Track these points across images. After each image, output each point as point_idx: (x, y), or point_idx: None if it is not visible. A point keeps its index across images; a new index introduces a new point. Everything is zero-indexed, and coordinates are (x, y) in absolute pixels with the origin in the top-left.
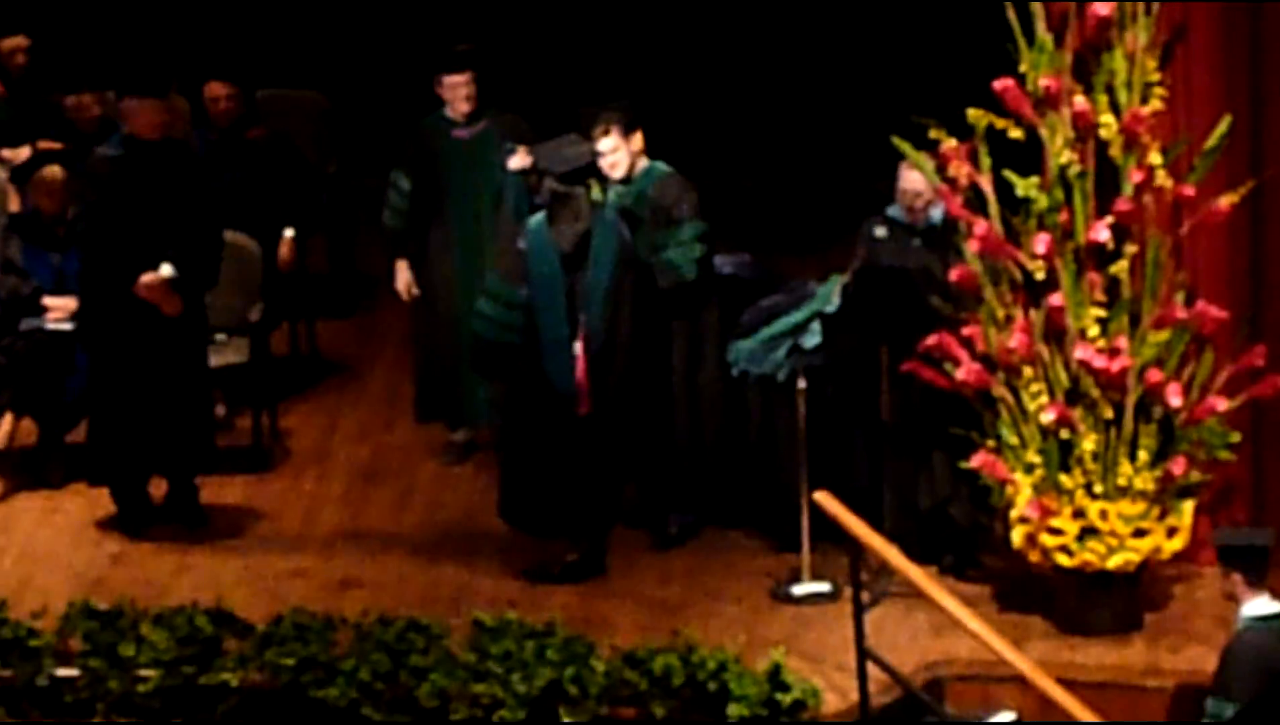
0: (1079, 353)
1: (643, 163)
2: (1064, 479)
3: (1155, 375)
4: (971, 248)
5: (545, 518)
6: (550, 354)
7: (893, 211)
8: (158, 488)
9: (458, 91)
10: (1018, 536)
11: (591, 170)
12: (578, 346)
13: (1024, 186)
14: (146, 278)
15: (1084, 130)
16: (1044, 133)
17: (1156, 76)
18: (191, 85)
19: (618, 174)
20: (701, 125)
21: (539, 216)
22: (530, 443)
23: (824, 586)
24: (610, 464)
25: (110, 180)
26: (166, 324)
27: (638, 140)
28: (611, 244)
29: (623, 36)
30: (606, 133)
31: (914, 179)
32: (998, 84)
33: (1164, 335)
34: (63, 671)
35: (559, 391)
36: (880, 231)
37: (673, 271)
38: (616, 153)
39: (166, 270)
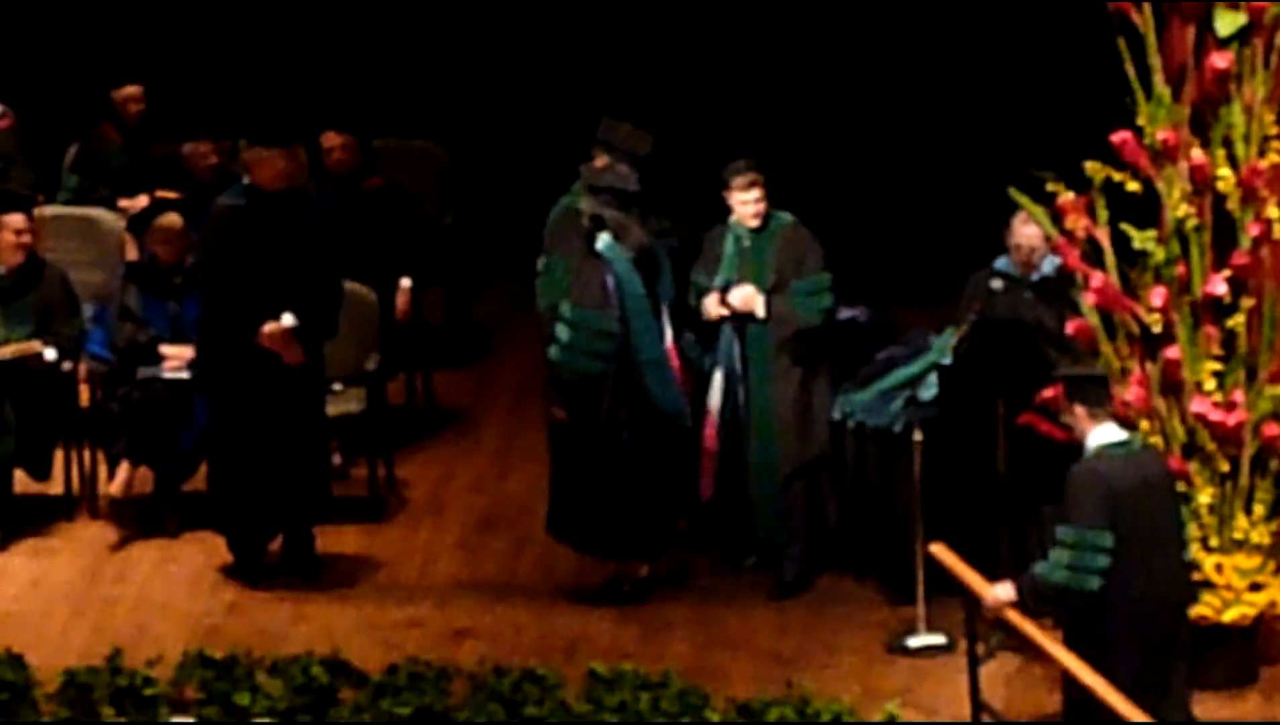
0: (1195, 406)
1: (771, 212)
2: None
3: (1272, 429)
4: (1088, 300)
5: (604, 536)
6: (651, 373)
7: (1002, 264)
8: (273, 537)
9: (752, 207)
10: None
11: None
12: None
13: (1141, 239)
14: (269, 327)
15: (1201, 183)
16: (1161, 186)
17: (1275, 129)
18: (310, 135)
19: (754, 223)
20: (818, 176)
21: (611, 242)
22: (584, 464)
23: (939, 639)
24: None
25: (232, 229)
26: (286, 373)
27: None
28: None
29: (739, 86)
30: (755, 185)
31: (1029, 232)
32: (1115, 137)
33: None
34: (178, 720)
35: (662, 409)
36: (996, 284)
37: (792, 320)
38: (759, 203)
39: (288, 320)
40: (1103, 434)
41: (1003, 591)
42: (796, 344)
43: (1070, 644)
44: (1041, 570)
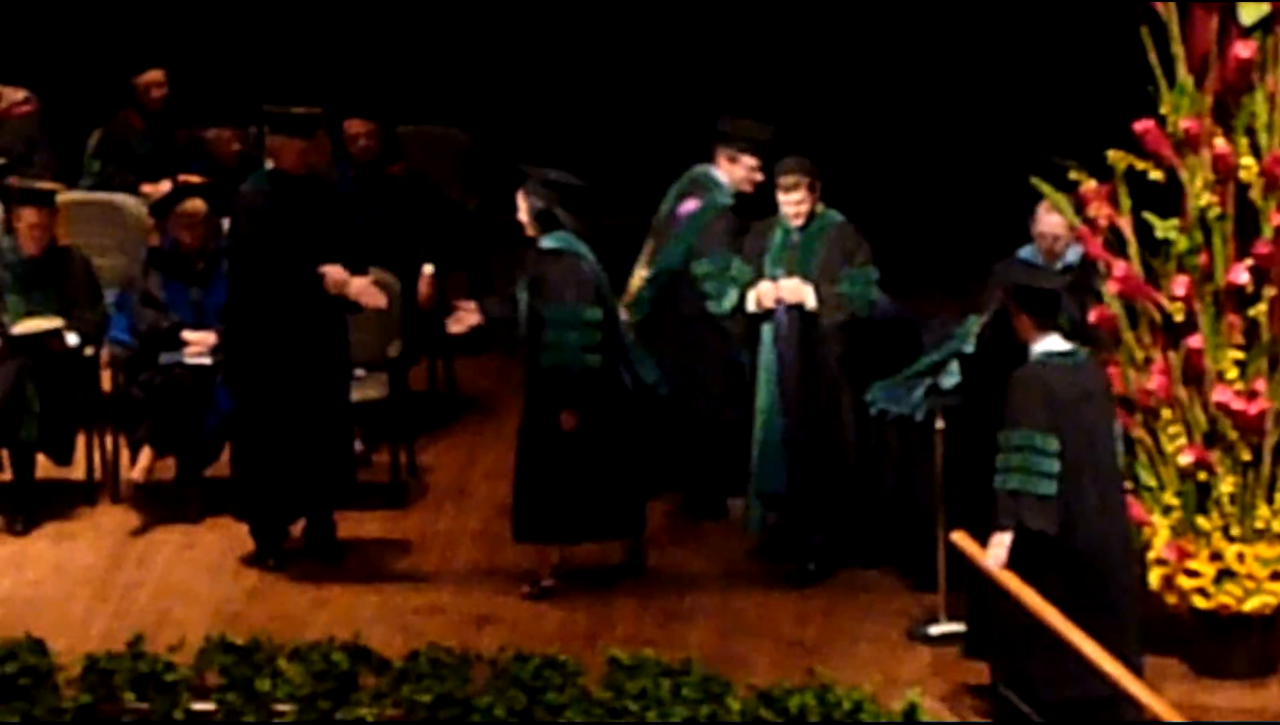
0: (1217, 395)
1: (819, 210)
2: (1201, 521)
3: None
4: (1111, 289)
5: (575, 522)
6: (634, 351)
7: (1027, 253)
8: (295, 522)
9: (796, 207)
10: (1155, 578)
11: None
12: None
13: (1163, 228)
14: (336, 275)
15: (1224, 172)
16: (1184, 175)
17: None
18: (333, 121)
19: (798, 222)
20: (841, 166)
21: (568, 235)
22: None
23: (960, 627)
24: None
25: (258, 215)
26: (311, 359)
27: (817, 193)
28: None
29: (766, 75)
30: (797, 186)
31: (1053, 221)
32: (1138, 126)
33: None
34: (199, 706)
35: (645, 383)
36: (1018, 273)
37: (846, 307)
38: (802, 204)
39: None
40: (1048, 343)
41: (995, 549)
42: (839, 336)
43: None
44: (996, 483)
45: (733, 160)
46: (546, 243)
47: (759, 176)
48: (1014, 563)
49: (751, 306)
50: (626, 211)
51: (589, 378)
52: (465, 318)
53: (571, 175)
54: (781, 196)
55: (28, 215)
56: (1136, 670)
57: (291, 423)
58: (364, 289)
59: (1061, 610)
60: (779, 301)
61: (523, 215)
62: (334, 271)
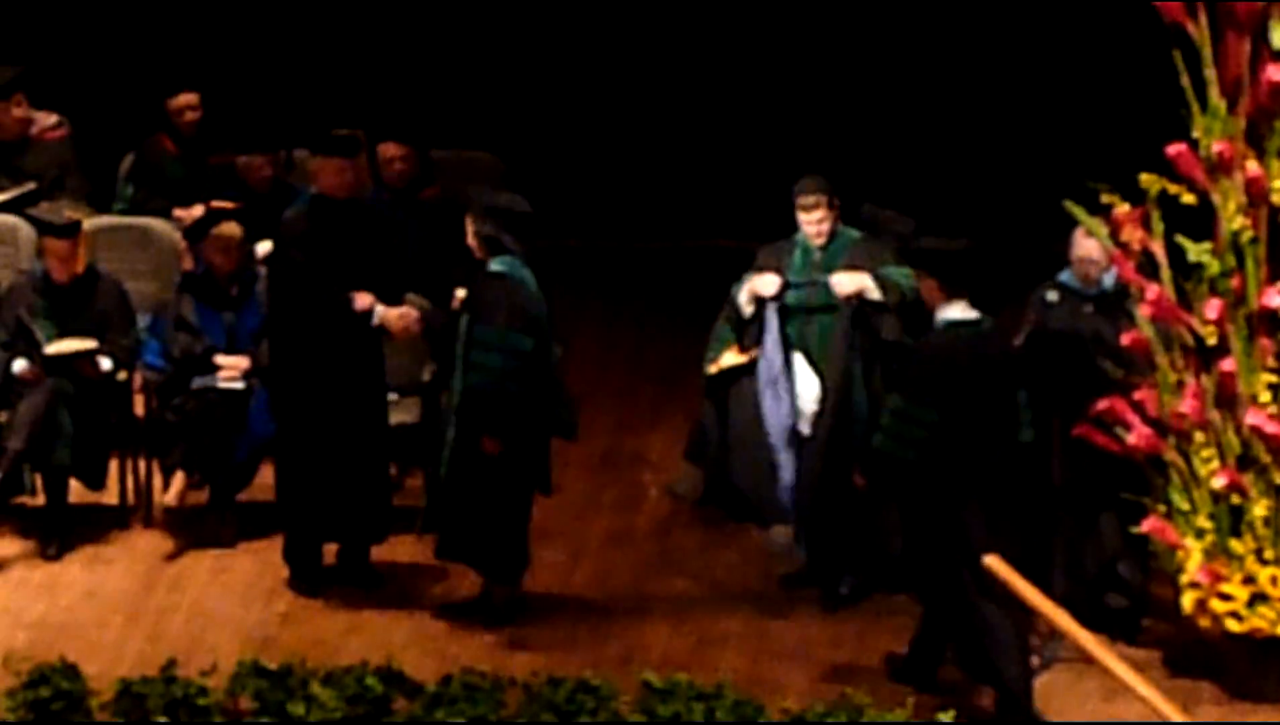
0: (1250, 418)
1: (838, 228)
2: (1235, 544)
3: None
4: (1143, 313)
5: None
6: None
7: (1065, 277)
8: (329, 547)
9: (816, 227)
10: (1188, 602)
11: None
12: None
13: (1196, 252)
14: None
15: (1257, 196)
16: (1216, 198)
17: None
18: (369, 146)
19: (819, 242)
20: (876, 190)
21: (513, 260)
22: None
23: None
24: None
25: (298, 238)
26: (350, 383)
27: (836, 211)
28: None
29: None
30: (818, 205)
31: (1089, 246)
32: (1171, 149)
33: None
34: None
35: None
36: (1052, 296)
37: (897, 288)
38: (823, 223)
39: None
40: (953, 311)
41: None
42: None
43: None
44: (874, 440)
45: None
46: (492, 266)
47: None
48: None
49: (745, 302)
50: (657, 234)
51: (507, 404)
52: (406, 317)
53: (520, 199)
54: (802, 216)
55: (53, 246)
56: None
57: (331, 447)
58: (390, 318)
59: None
60: (846, 297)
61: (470, 239)
62: (361, 299)
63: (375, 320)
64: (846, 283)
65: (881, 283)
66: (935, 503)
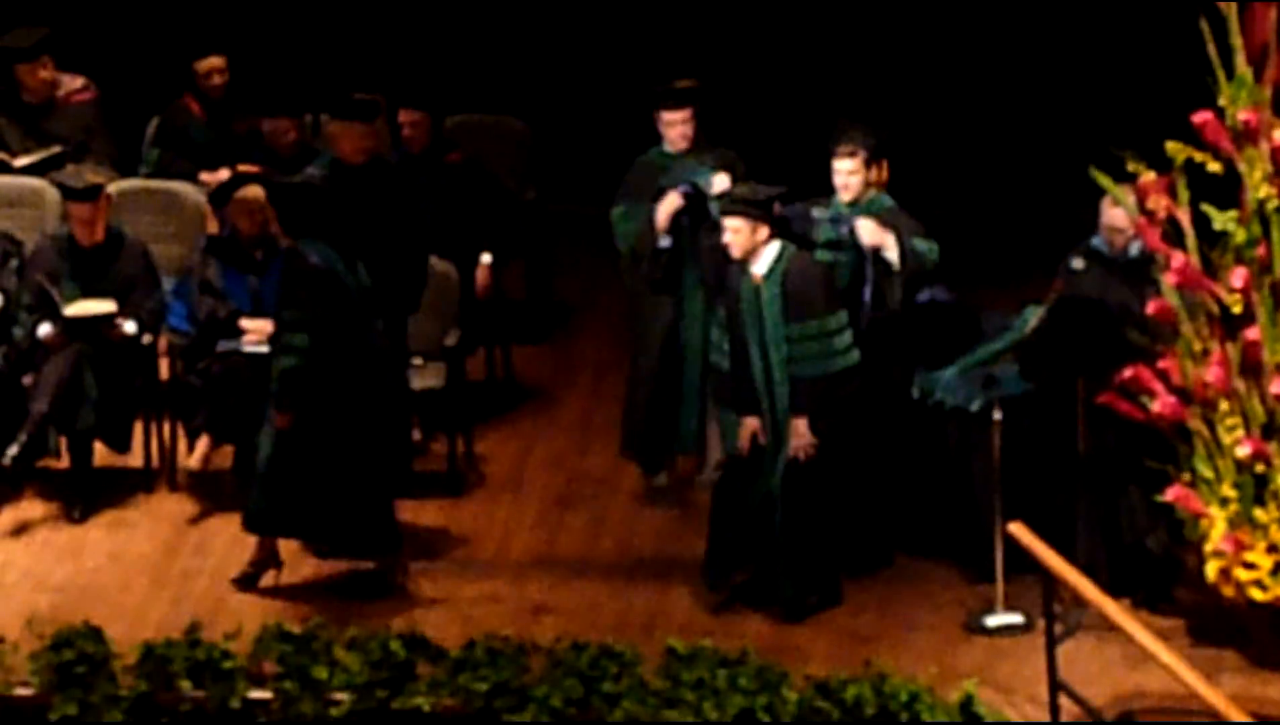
0: (1275, 387)
1: (871, 193)
2: (1259, 513)
3: None
4: (1169, 281)
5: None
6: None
7: (1096, 243)
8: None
9: (675, 128)
10: (1212, 570)
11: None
12: None
13: (1222, 220)
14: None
15: None
16: (1242, 167)
17: None
18: (391, 111)
19: (846, 196)
20: (901, 157)
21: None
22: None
23: (1017, 618)
24: None
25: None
26: (371, 349)
27: (879, 172)
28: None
29: (827, 67)
30: (852, 155)
31: (1116, 215)
32: (1197, 117)
33: None
34: (256, 694)
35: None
36: (1078, 263)
37: (918, 258)
38: (853, 176)
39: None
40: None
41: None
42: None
43: None
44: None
45: (658, 121)
46: (296, 247)
47: (681, 129)
48: None
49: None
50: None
51: (313, 382)
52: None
53: (318, 178)
54: (834, 164)
55: (75, 209)
56: None
57: (350, 412)
58: None
59: None
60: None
61: (273, 225)
62: None
63: None
64: (869, 231)
65: (904, 248)
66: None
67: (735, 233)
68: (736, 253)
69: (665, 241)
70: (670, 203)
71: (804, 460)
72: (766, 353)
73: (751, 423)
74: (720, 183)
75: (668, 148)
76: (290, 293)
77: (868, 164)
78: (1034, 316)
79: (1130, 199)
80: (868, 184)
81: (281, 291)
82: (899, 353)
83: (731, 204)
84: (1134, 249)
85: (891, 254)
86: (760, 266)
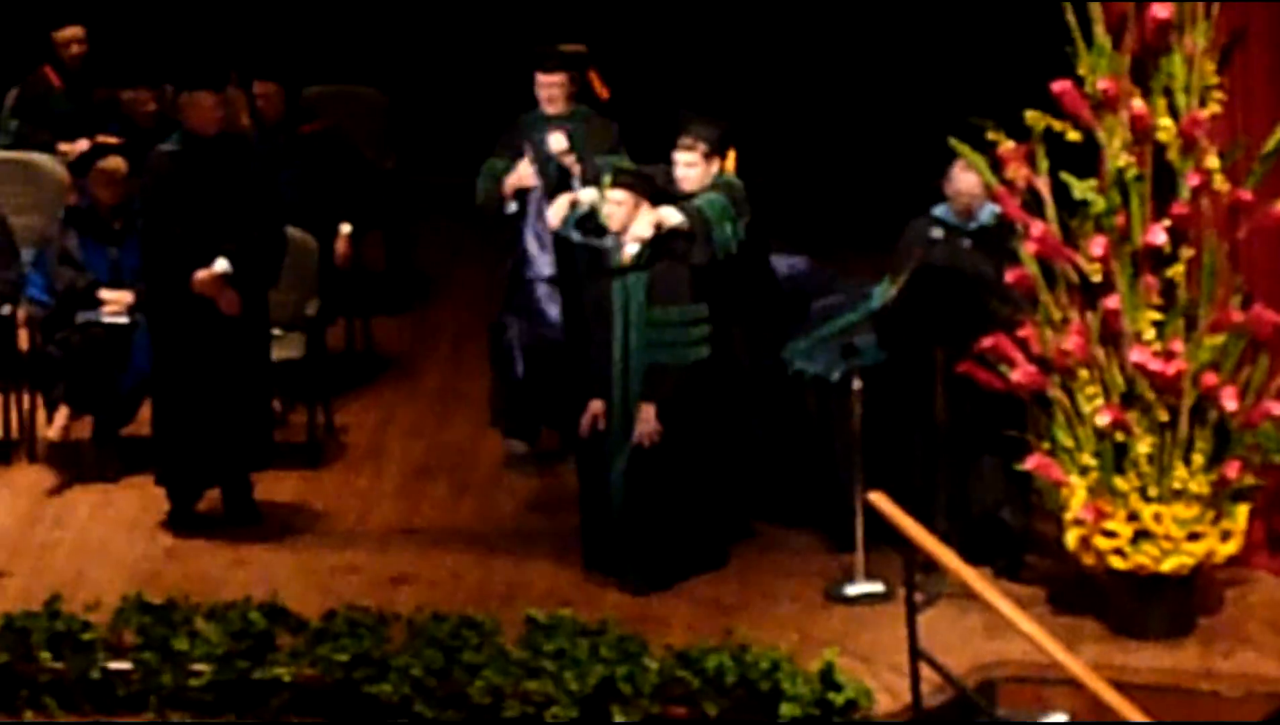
0: (1134, 356)
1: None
2: (1118, 482)
3: (1211, 379)
4: (1028, 250)
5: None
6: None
7: (941, 211)
8: (214, 484)
9: (544, 91)
10: (1072, 539)
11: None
12: None
13: (1081, 189)
14: (201, 274)
15: (1142, 133)
16: (1102, 135)
17: (1215, 80)
18: (248, 82)
19: (685, 187)
20: (760, 125)
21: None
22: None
23: (878, 587)
24: None
25: (169, 176)
26: (229, 318)
27: (719, 164)
28: None
29: (688, 35)
30: (691, 148)
31: (967, 180)
32: (1056, 86)
33: (1220, 339)
34: (116, 665)
35: None
36: (936, 232)
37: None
38: (691, 169)
39: (221, 265)
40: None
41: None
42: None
43: None
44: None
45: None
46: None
47: (557, 91)
48: None
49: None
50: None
51: None
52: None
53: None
54: (674, 155)
55: None
56: None
57: (210, 382)
58: (205, 281)
59: None
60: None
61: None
62: (199, 274)
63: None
64: (556, 141)
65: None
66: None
67: (618, 205)
68: (614, 225)
69: (511, 206)
70: (520, 174)
71: (648, 447)
72: (628, 335)
73: (596, 406)
74: (557, 142)
75: (544, 110)
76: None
77: (708, 157)
78: (892, 286)
79: (988, 168)
80: (708, 176)
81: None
82: (756, 320)
83: (620, 176)
84: (984, 215)
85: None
86: (632, 246)
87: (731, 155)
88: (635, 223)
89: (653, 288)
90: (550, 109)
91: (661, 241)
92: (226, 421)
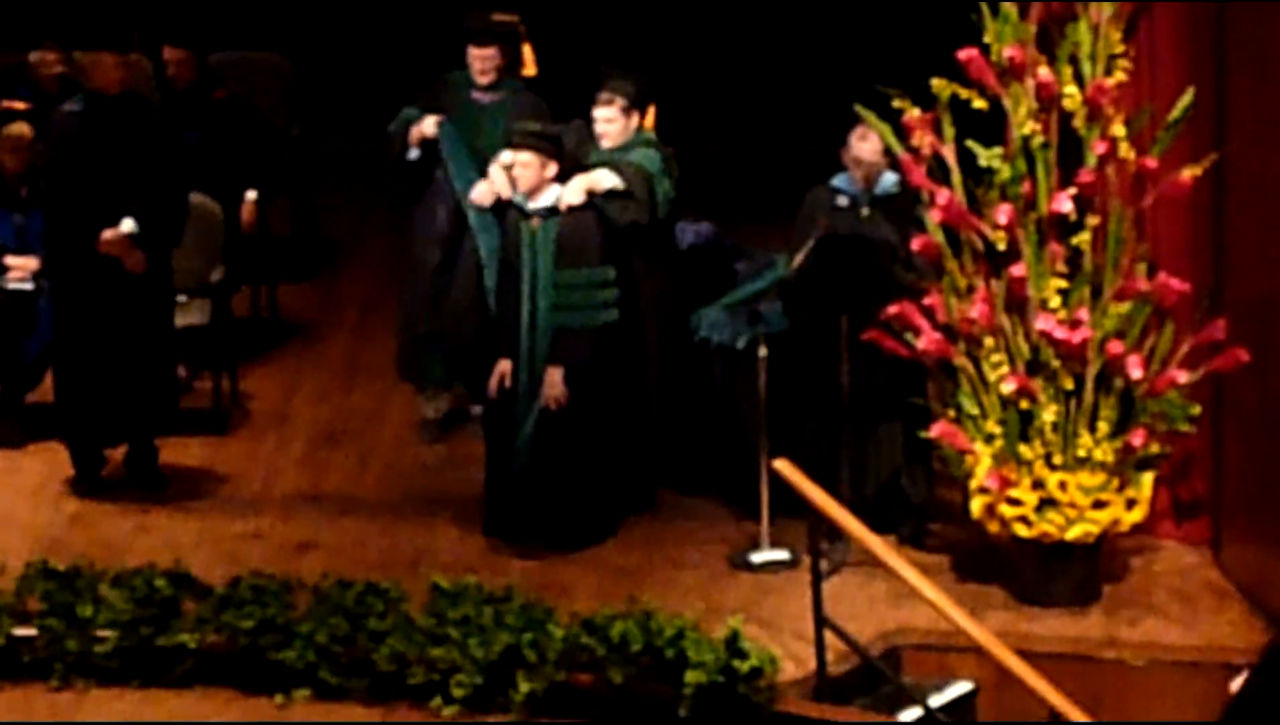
0: (1040, 323)
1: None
2: (1024, 450)
3: (1116, 347)
4: (934, 218)
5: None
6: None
7: (841, 181)
8: (117, 449)
9: (484, 65)
10: (977, 507)
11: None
12: None
13: (987, 157)
14: (108, 233)
15: (1048, 101)
16: (1008, 103)
17: (1121, 48)
18: (154, 48)
19: (605, 144)
20: (665, 91)
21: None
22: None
23: (783, 554)
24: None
25: (72, 137)
26: (132, 283)
27: (639, 120)
28: None
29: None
30: (610, 103)
31: (866, 148)
32: (962, 54)
33: (1125, 307)
34: (20, 631)
35: None
36: (842, 201)
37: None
38: (611, 125)
39: (128, 225)
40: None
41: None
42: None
43: None
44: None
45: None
46: None
47: (489, 64)
48: None
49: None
50: None
51: None
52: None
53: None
54: (593, 111)
55: None
56: None
57: (112, 346)
58: (111, 241)
59: None
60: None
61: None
62: (106, 234)
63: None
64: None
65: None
66: None
67: (525, 167)
68: (522, 187)
69: (413, 153)
70: (424, 127)
71: (554, 410)
72: (535, 296)
73: (504, 365)
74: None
75: (472, 76)
76: None
77: (627, 111)
78: (798, 253)
79: (893, 135)
80: (628, 131)
81: None
82: (664, 285)
83: (523, 137)
84: (886, 183)
85: (608, 182)
86: (540, 206)
87: (651, 111)
88: (567, 190)
89: (560, 249)
90: (482, 80)
91: (595, 207)
92: (129, 383)
